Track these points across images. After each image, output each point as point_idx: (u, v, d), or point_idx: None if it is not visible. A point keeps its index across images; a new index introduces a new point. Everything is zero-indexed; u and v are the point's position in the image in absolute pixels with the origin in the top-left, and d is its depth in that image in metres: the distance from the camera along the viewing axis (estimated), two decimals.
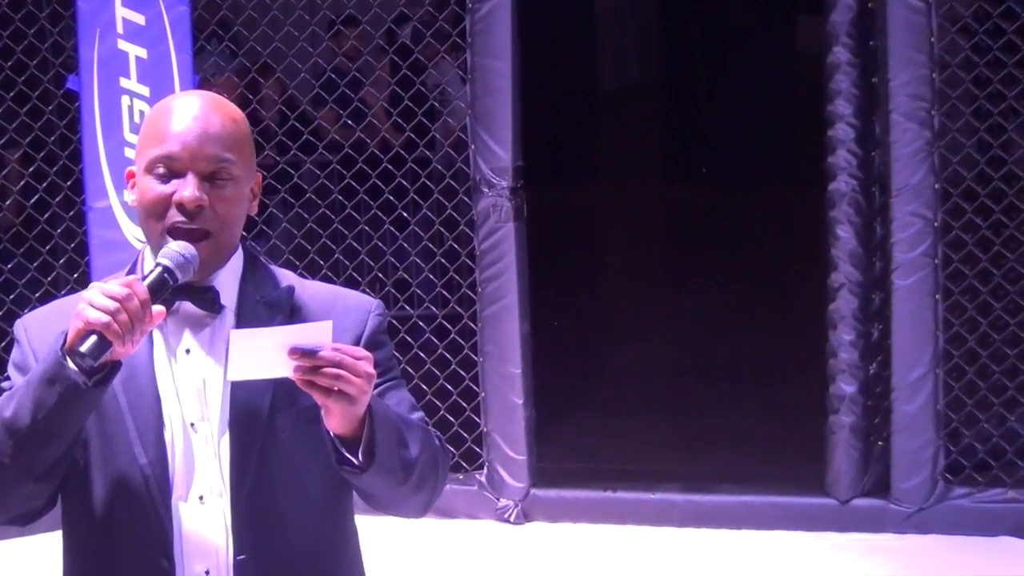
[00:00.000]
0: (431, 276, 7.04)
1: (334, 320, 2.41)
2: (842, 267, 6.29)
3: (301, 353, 2.33)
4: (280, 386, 2.47)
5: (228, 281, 2.57)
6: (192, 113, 2.52)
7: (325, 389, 2.34)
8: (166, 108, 2.56)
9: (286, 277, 2.65)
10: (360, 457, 2.43)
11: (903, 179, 6.14)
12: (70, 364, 2.36)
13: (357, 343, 2.54)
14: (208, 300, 2.53)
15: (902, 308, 6.19)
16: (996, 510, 6.24)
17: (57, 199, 6.73)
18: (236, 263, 2.59)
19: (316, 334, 2.34)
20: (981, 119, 6.37)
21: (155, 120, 2.55)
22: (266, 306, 2.58)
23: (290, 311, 2.59)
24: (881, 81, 6.19)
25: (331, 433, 2.43)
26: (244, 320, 2.54)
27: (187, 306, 2.53)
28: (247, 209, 2.58)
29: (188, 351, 2.54)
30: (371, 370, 2.36)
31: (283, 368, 2.34)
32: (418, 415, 2.63)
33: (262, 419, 2.52)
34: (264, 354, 2.33)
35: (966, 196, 6.28)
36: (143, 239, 2.58)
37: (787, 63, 14.57)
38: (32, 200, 6.81)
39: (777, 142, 14.07)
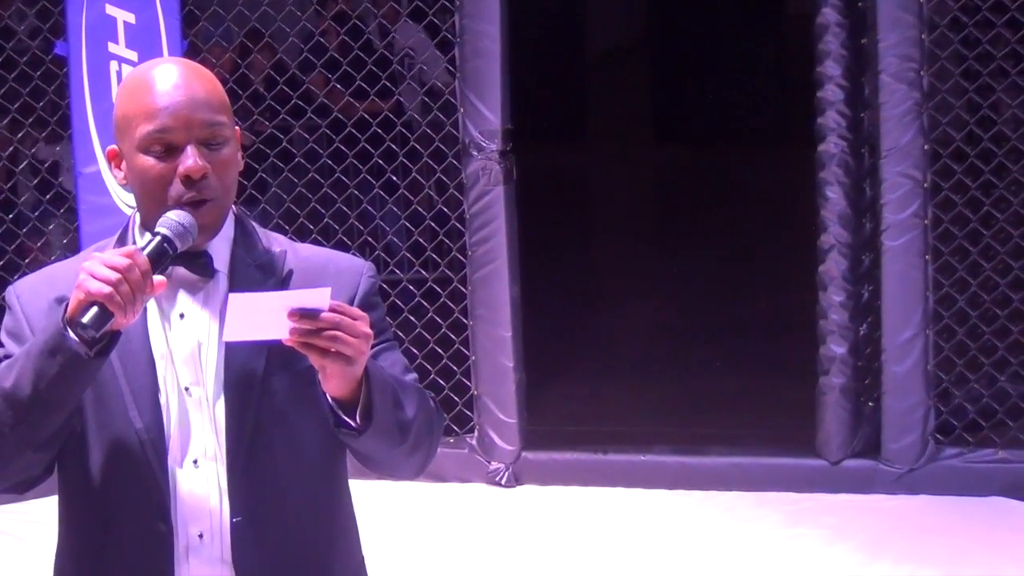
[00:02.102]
0: (421, 240, 7.03)
1: (326, 283, 2.41)
2: (832, 228, 6.30)
3: (301, 315, 2.32)
4: (275, 349, 2.47)
5: (220, 246, 2.57)
6: (174, 82, 2.49)
7: (322, 351, 2.34)
8: (146, 81, 2.51)
9: (277, 241, 2.65)
10: (358, 419, 2.43)
11: (892, 140, 6.15)
12: (71, 335, 2.35)
13: (350, 305, 2.54)
14: (201, 265, 2.53)
15: (892, 269, 6.20)
16: (986, 470, 6.26)
17: (46, 164, 6.72)
18: (228, 228, 2.59)
19: (314, 299, 2.33)
20: (970, 80, 6.38)
21: (137, 95, 2.51)
22: (258, 269, 2.58)
23: (282, 275, 2.59)
24: (870, 42, 6.19)
25: (328, 396, 2.43)
26: (237, 284, 2.54)
27: (180, 271, 2.52)
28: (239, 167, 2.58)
29: (182, 315, 2.54)
30: (368, 330, 2.36)
31: (279, 330, 2.33)
32: (412, 376, 2.63)
33: (257, 382, 2.52)
34: (261, 316, 2.32)
35: (955, 157, 6.29)
36: (133, 204, 2.57)
37: (776, 24, 14.56)
38: (21, 166, 6.80)
39: (766, 103, 14.07)
